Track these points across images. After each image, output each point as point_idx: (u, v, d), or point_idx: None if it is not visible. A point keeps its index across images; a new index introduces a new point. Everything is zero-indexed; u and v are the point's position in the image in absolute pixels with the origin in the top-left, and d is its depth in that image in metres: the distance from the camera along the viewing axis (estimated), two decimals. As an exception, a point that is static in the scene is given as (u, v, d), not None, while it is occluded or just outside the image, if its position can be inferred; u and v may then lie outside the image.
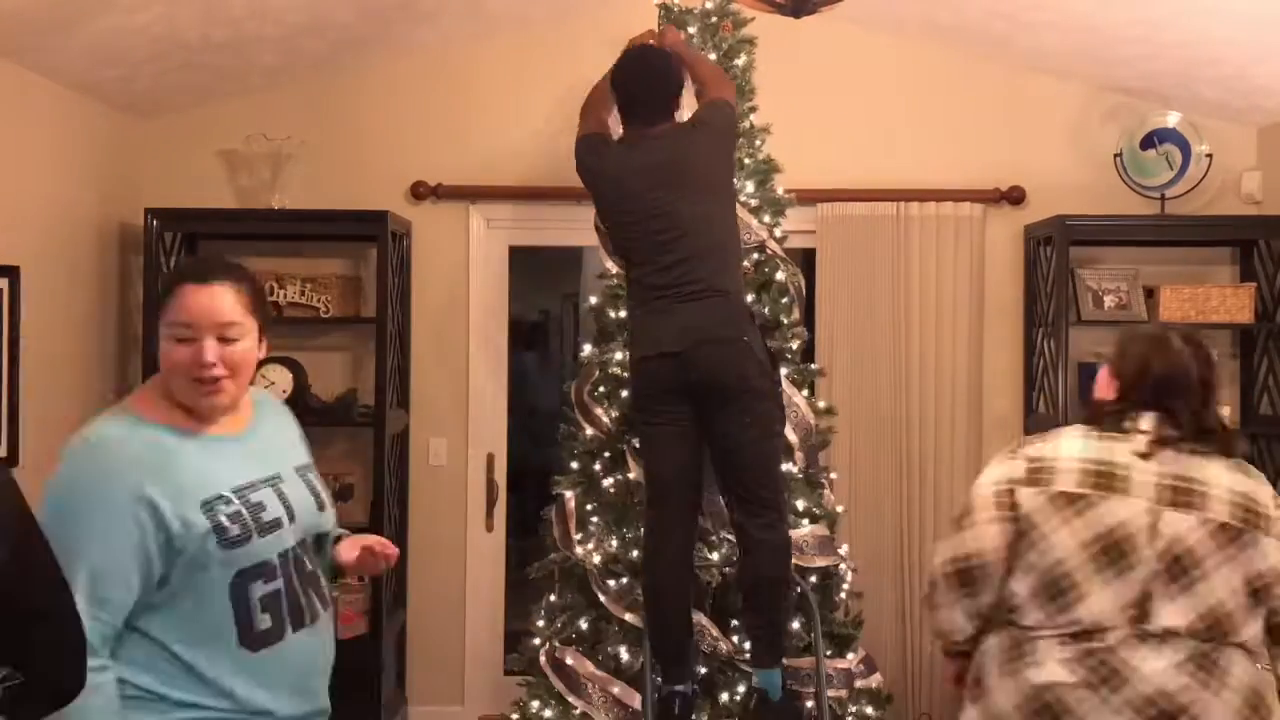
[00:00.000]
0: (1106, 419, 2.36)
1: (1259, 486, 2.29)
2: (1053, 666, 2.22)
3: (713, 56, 3.67)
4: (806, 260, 4.50)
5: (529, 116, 4.70)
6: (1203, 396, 2.35)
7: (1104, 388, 2.45)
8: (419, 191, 4.67)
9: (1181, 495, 2.24)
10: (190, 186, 4.61)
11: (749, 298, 3.57)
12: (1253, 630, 2.26)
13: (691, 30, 3.70)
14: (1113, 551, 2.22)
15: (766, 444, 3.21)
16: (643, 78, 3.40)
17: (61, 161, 4.11)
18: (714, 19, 3.73)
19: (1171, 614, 2.21)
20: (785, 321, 3.65)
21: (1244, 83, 4.24)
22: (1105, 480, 2.26)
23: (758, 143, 3.75)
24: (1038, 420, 4.62)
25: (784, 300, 3.67)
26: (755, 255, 3.66)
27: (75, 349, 4.21)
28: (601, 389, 3.67)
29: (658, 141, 3.32)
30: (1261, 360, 4.55)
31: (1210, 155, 4.48)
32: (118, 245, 4.51)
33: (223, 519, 1.95)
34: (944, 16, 4.40)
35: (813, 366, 3.84)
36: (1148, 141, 4.52)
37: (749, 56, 3.73)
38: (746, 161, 3.70)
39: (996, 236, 4.69)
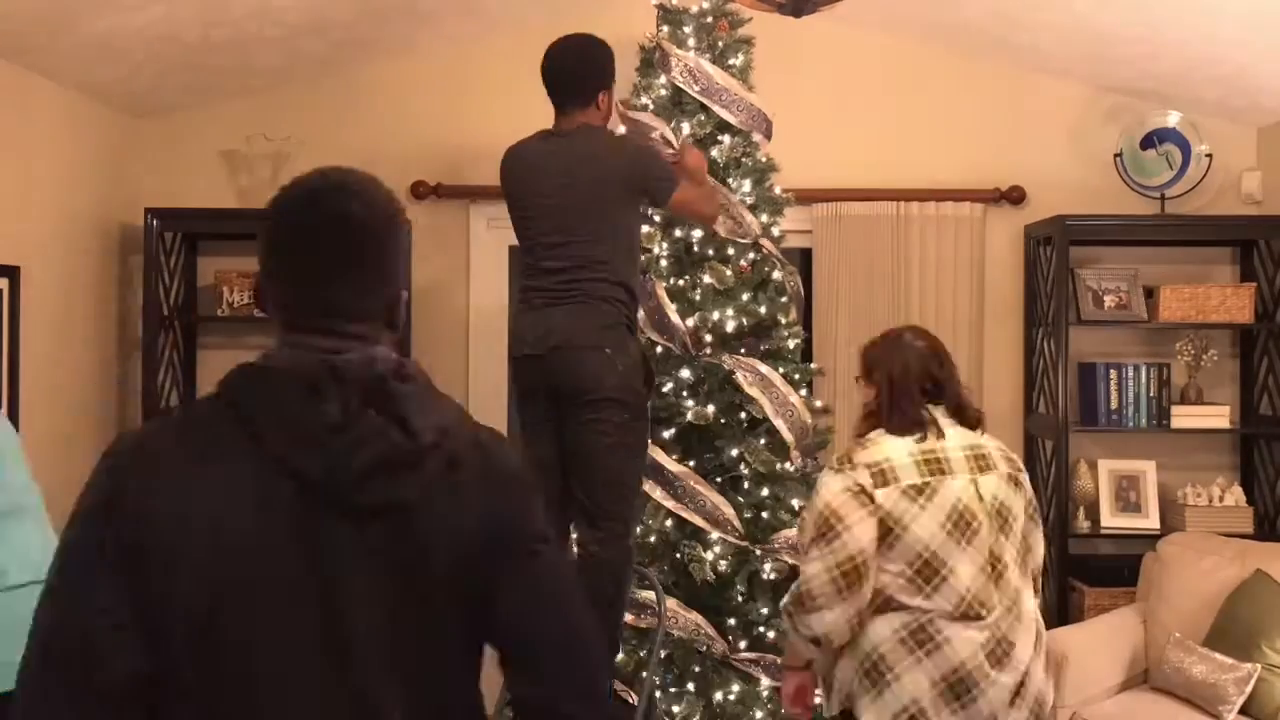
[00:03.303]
0: (893, 421, 2.63)
1: (1001, 443, 2.76)
2: (962, 644, 2.46)
3: (708, 56, 3.67)
4: (804, 260, 4.50)
5: (529, 116, 4.67)
6: (951, 376, 2.72)
7: (870, 399, 2.72)
8: (419, 191, 4.67)
9: (981, 461, 2.62)
10: (190, 186, 4.62)
11: (744, 296, 3.57)
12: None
13: (687, 30, 3.70)
14: (960, 523, 2.51)
15: (619, 455, 3.11)
16: (555, 57, 3.37)
17: (61, 161, 4.12)
18: (710, 19, 3.73)
19: (1010, 561, 2.56)
20: (783, 321, 3.66)
21: (1244, 82, 4.23)
22: (935, 466, 2.56)
23: (755, 140, 3.75)
24: (1037, 420, 4.62)
25: (781, 300, 3.68)
26: (751, 255, 3.66)
27: (75, 349, 4.22)
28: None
29: (568, 140, 3.29)
30: (1261, 360, 4.54)
31: (1210, 155, 4.47)
32: (118, 245, 4.51)
33: None
34: (944, 16, 4.40)
35: (811, 366, 3.85)
36: (1148, 141, 4.52)
37: (746, 56, 3.73)
38: (744, 161, 3.70)
39: (996, 236, 4.68)
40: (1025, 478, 2.70)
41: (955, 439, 2.63)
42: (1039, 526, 2.70)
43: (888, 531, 2.50)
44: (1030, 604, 2.60)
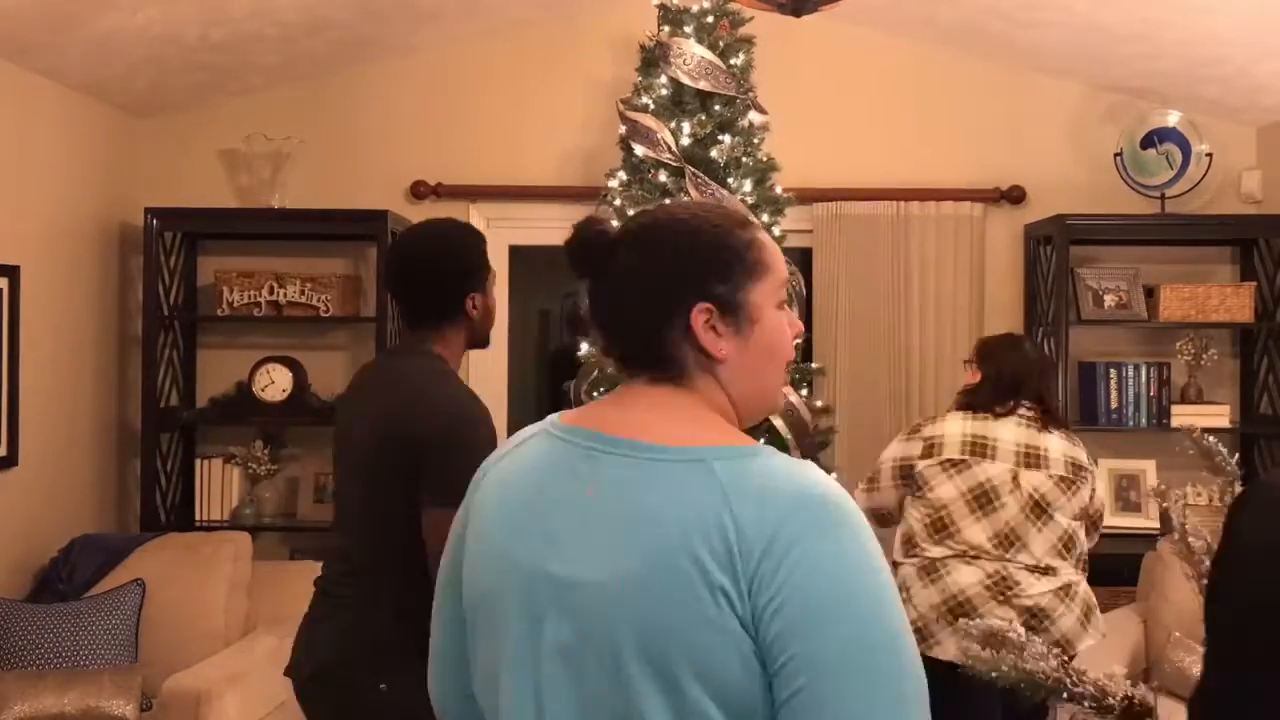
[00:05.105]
0: (979, 404, 3.24)
1: (1077, 452, 3.23)
2: (961, 577, 3.08)
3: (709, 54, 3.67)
4: (804, 260, 4.51)
5: (529, 116, 4.70)
6: (1047, 387, 3.36)
7: (970, 380, 3.34)
8: (419, 191, 4.67)
9: (1031, 458, 3.15)
10: (190, 186, 4.62)
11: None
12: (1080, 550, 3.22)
13: (688, 29, 3.70)
14: (981, 498, 3.11)
15: None
16: None
17: (61, 161, 4.12)
18: (711, 18, 3.73)
19: (1038, 545, 3.10)
20: (784, 321, 3.66)
21: (1244, 82, 4.23)
22: (980, 449, 3.15)
23: (756, 140, 3.75)
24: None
25: (782, 299, 3.68)
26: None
27: (75, 349, 4.21)
28: (601, 389, 3.68)
29: None
30: (1261, 359, 4.54)
31: (1210, 154, 4.47)
32: (118, 245, 4.51)
33: None
34: (944, 16, 4.40)
35: (811, 365, 3.85)
36: (1148, 141, 4.52)
37: (747, 55, 3.74)
38: (745, 160, 3.71)
39: (996, 236, 4.69)
40: (1086, 486, 3.19)
41: (1014, 434, 3.16)
42: (1090, 528, 3.27)
43: (919, 487, 3.18)
44: (1067, 576, 3.13)
